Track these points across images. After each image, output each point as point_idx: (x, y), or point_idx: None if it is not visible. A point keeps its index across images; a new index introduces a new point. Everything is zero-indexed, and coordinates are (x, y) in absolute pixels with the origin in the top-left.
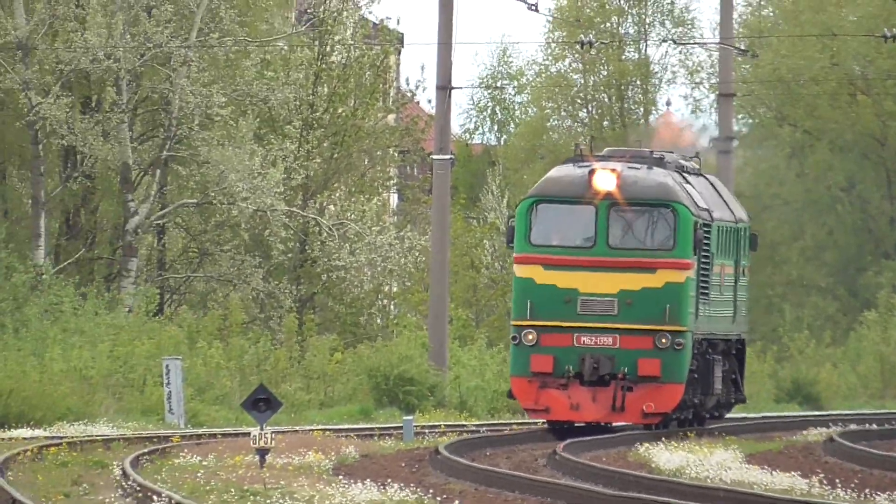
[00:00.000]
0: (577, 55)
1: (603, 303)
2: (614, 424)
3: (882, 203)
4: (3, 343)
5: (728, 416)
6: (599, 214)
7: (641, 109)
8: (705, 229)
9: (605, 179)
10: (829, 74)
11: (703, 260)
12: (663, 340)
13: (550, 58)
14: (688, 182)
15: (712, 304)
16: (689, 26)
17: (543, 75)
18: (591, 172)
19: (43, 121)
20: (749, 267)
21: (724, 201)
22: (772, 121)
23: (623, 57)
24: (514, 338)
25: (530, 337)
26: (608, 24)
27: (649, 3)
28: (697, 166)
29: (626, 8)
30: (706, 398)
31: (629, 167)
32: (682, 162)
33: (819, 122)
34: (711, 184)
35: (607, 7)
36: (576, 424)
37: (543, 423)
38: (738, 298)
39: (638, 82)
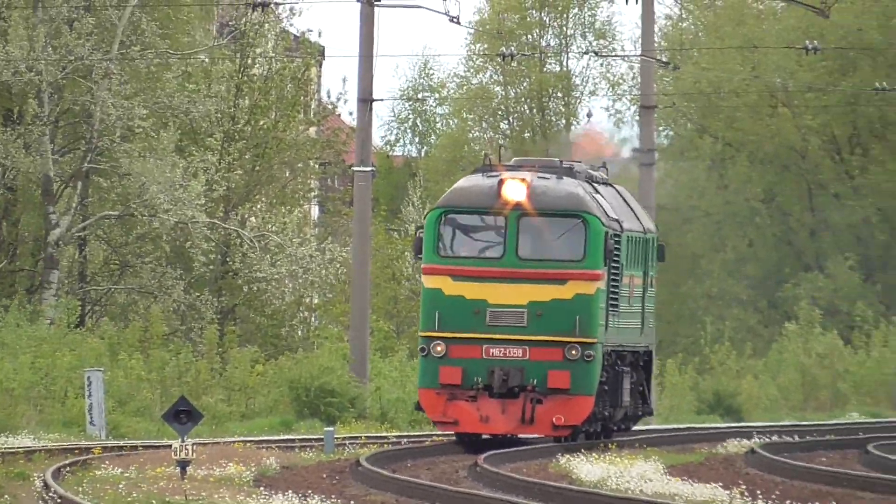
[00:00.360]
0: (497, 67)
1: (512, 314)
2: (523, 437)
3: (803, 215)
4: None
5: (647, 427)
6: (509, 225)
7: (563, 121)
8: (615, 240)
9: (515, 189)
10: (749, 87)
11: (613, 271)
12: (573, 352)
13: (472, 70)
14: (597, 192)
15: (621, 315)
16: (611, 38)
17: (465, 87)
18: (501, 182)
19: None
20: (656, 278)
21: (633, 211)
22: (693, 133)
23: (545, 69)
24: (422, 349)
25: (439, 348)
26: (529, 37)
27: (570, 16)
28: (605, 176)
29: (548, 21)
30: (615, 410)
31: (539, 177)
32: (591, 172)
33: (739, 133)
34: (619, 193)
35: (528, 20)
36: (484, 437)
37: (452, 435)
38: (646, 310)
39: (559, 94)
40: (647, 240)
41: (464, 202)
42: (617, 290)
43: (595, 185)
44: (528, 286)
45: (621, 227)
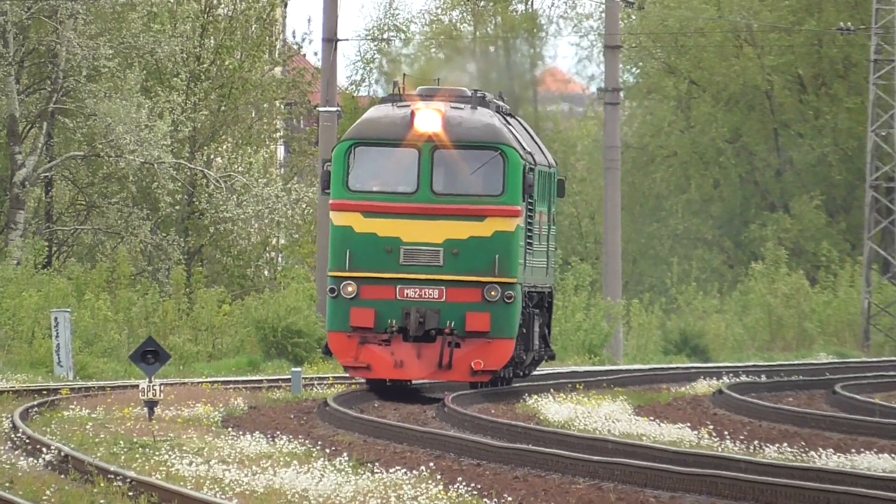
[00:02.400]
0: (465, 5)
1: (428, 253)
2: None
3: (768, 155)
4: None
5: (613, 368)
6: (423, 158)
7: (528, 62)
8: (532, 173)
9: (429, 120)
10: (715, 26)
11: (528, 207)
12: (492, 293)
13: (442, 8)
14: (509, 123)
15: (535, 254)
16: None
17: (434, 25)
18: (413, 113)
19: None
20: (556, 215)
21: (537, 144)
22: (659, 72)
23: (511, 9)
24: (331, 290)
25: (350, 289)
26: None
27: None
28: (508, 107)
29: None
30: (526, 355)
31: (453, 107)
32: (498, 102)
33: (705, 74)
34: (522, 125)
35: None
36: (388, 383)
37: (363, 381)
38: (550, 248)
39: (525, 35)
40: (550, 174)
41: (374, 133)
42: (532, 228)
43: (505, 116)
44: (444, 223)
45: (534, 159)
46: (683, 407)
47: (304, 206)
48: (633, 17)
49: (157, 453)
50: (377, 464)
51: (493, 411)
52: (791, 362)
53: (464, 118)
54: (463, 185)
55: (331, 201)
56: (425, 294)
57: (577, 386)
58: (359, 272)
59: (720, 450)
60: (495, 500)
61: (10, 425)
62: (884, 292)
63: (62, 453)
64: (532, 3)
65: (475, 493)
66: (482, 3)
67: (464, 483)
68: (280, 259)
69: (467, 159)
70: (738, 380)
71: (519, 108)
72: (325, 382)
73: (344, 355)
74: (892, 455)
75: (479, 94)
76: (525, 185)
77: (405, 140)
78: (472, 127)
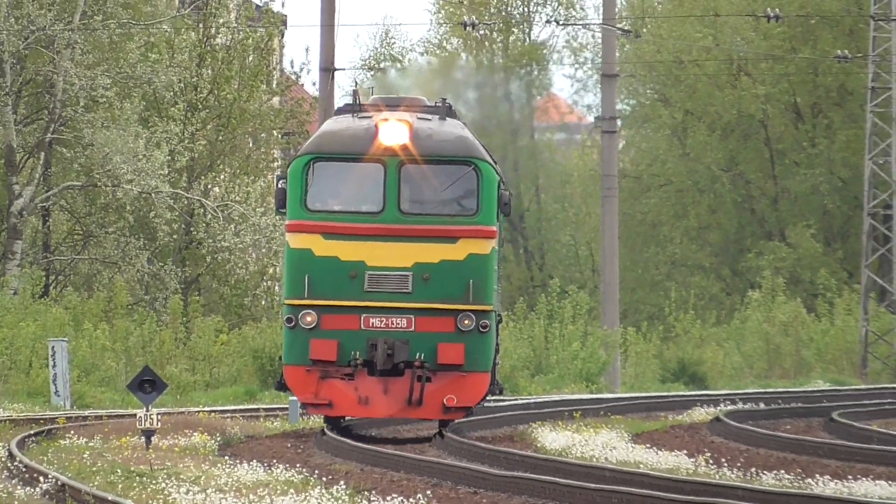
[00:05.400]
0: (462, 38)
1: (395, 278)
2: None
3: (764, 183)
4: None
5: (612, 396)
6: (389, 174)
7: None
8: (506, 191)
9: (395, 132)
10: (710, 55)
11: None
12: (466, 322)
13: (438, 38)
14: (474, 135)
15: (499, 278)
16: (580, 9)
17: (432, 54)
18: (378, 124)
19: None
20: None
21: (491, 157)
22: (654, 101)
23: (511, 38)
24: (288, 320)
25: (309, 319)
26: (493, 8)
27: None
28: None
29: None
30: (491, 388)
31: (420, 118)
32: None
33: (700, 104)
34: (476, 137)
35: None
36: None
37: (322, 418)
38: (499, 271)
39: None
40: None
41: (335, 147)
42: (498, 249)
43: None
44: (412, 245)
45: (501, 175)
46: (681, 435)
47: None
48: (628, 48)
49: (154, 482)
50: (374, 492)
51: (490, 439)
52: (789, 390)
53: (433, 130)
54: (433, 203)
55: (287, 222)
56: (393, 323)
57: (575, 414)
58: (319, 300)
59: (717, 477)
60: None
61: (7, 454)
62: (881, 320)
63: (59, 482)
64: (530, 33)
65: None
66: (482, 32)
67: None
68: (277, 288)
69: (438, 175)
70: (735, 407)
71: (518, 136)
72: None
73: (303, 391)
74: (890, 482)
75: (447, 104)
76: (500, 203)
77: (369, 154)
78: (442, 140)
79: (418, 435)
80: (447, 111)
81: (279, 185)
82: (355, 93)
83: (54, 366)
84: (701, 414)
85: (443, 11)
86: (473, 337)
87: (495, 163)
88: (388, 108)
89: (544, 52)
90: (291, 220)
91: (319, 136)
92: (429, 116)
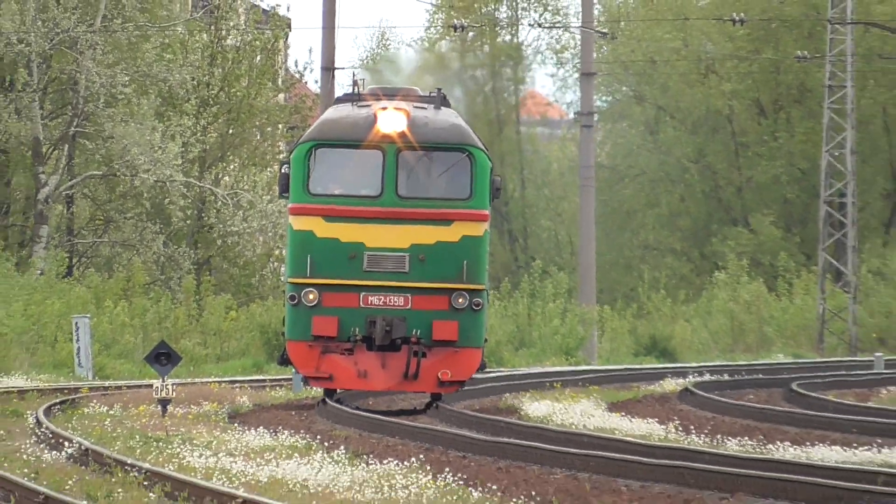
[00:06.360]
0: (454, 39)
1: (392, 259)
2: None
3: (730, 174)
4: None
5: (589, 368)
6: (387, 160)
7: (512, 86)
8: (497, 176)
9: (394, 120)
10: (680, 55)
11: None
12: (460, 300)
13: (430, 38)
14: (467, 123)
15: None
16: (563, 14)
17: (426, 52)
18: (377, 113)
19: None
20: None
21: (484, 146)
22: (629, 98)
23: (497, 40)
24: (291, 297)
25: (311, 297)
26: (485, 9)
27: None
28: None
29: None
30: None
31: (416, 107)
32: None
33: (671, 100)
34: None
35: None
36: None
37: (321, 391)
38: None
39: (511, 63)
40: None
41: (336, 135)
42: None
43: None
44: (409, 227)
45: (492, 162)
46: (653, 404)
47: None
48: (605, 49)
49: (169, 447)
50: (371, 456)
51: (477, 407)
52: (751, 363)
53: (429, 118)
54: (429, 188)
55: (290, 205)
56: (390, 301)
57: (555, 385)
58: (320, 279)
59: (686, 443)
60: (480, 489)
61: (35, 421)
62: (836, 299)
63: (83, 447)
64: (517, 33)
65: (461, 482)
66: (471, 34)
67: (451, 473)
68: (282, 269)
69: (434, 161)
70: (703, 379)
71: (503, 129)
72: None
73: (304, 366)
74: (844, 447)
75: (441, 94)
76: (493, 188)
77: (368, 141)
78: (438, 128)
79: (414, 406)
80: (442, 101)
81: (283, 171)
82: (355, 83)
83: (78, 340)
84: (671, 385)
85: (440, 13)
86: (467, 314)
87: (487, 150)
88: (385, 97)
89: (527, 50)
90: (294, 203)
91: (321, 123)
92: (425, 105)
